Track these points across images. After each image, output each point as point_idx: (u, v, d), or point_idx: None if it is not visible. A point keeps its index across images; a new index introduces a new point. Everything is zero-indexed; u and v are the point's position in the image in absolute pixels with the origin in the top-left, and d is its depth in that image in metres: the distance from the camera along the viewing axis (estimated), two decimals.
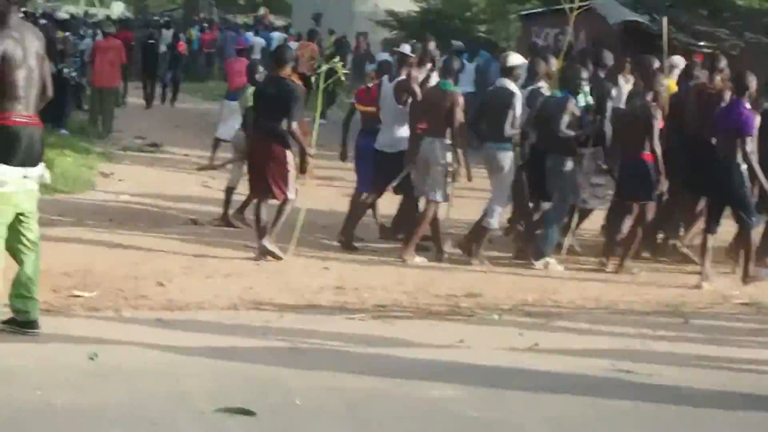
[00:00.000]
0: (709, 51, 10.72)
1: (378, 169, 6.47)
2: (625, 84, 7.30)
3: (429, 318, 5.13)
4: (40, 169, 4.11)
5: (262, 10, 25.84)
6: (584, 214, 6.80)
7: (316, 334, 4.63)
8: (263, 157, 5.93)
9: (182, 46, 16.79)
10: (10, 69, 3.87)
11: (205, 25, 21.03)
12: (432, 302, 5.49)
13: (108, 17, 21.09)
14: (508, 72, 6.35)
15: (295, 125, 5.83)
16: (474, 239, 6.41)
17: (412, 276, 6.08)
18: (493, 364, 4.17)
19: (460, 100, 6.20)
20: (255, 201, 6.10)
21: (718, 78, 6.46)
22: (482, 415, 3.59)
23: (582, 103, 6.34)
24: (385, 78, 6.62)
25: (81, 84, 12.49)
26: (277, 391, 3.69)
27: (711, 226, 6.12)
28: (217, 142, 9.02)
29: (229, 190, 7.08)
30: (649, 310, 5.56)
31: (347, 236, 6.45)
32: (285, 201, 5.89)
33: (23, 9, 8.53)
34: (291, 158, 5.92)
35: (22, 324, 4.07)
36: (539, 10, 14.54)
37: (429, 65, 6.87)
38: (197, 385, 3.72)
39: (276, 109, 5.86)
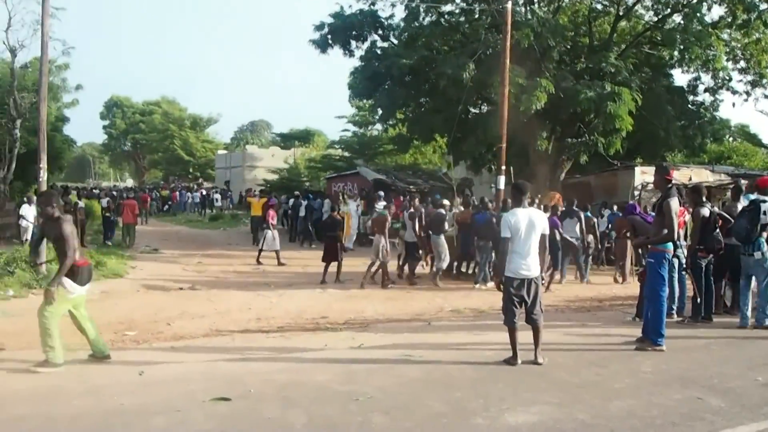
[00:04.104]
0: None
1: None
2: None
3: (306, 332, 7.62)
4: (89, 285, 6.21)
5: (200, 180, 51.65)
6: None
7: (254, 349, 6.74)
8: None
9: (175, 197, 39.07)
10: None
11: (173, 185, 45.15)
12: (305, 322, 8.19)
13: (126, 187, 50.92)
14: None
15: None
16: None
17: (292, 306, 8.95)
18: (344, 357, 6.33)
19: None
20: None
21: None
22: (349, 388, 5.14)
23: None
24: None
25: (116, 221, 21.52)
26: (240, 385, 5.26)
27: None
28: None
29: None
30: (408, 318, 8.48)
31: None
32: None
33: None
34: None
35: (102, 357, 6.13)
36: (334, 174, 31.14)
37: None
38: (200, 385, 5.25)
39: None
